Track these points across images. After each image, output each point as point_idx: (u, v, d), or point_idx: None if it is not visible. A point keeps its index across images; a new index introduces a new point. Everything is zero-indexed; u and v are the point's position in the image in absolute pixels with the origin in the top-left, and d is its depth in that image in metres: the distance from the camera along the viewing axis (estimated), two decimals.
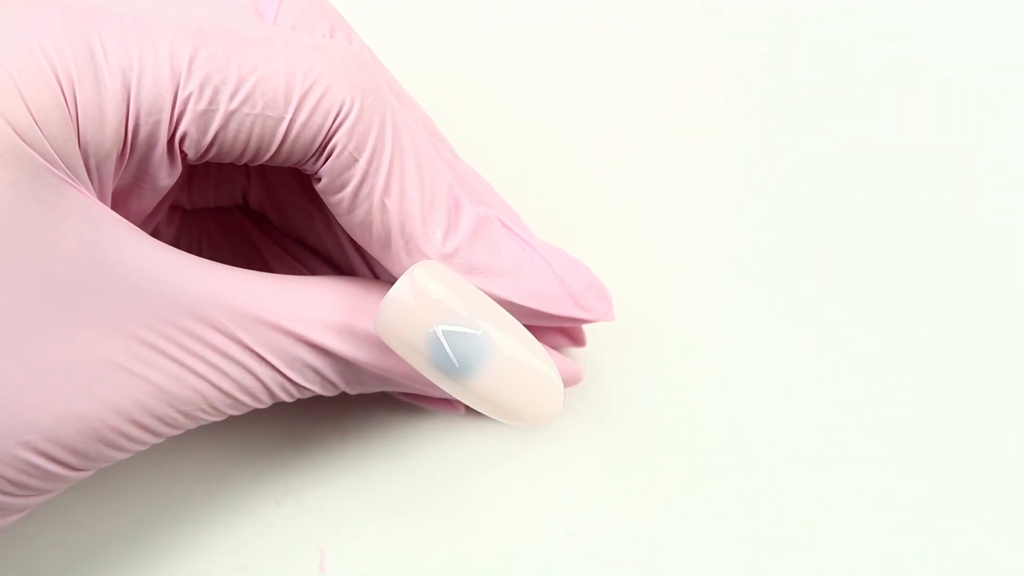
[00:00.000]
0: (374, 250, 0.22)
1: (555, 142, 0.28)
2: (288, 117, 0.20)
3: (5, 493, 0.19)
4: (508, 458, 0.26)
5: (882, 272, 0.27)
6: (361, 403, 0.26)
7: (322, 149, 0.20)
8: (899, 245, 0.28)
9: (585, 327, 0.26)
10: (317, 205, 0.25)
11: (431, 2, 0.30)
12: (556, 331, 0.26)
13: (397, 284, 0.20)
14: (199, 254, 0.26)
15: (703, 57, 0.29)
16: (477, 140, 0.27)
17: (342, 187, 0.21)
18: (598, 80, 0.29)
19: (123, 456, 0.21)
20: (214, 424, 0.22)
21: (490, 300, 0.21)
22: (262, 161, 0.21)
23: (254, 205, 0.26)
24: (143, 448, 0.21)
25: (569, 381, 0.25)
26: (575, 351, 0.27)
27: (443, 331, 0.20)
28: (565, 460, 0.26)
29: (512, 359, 0.21)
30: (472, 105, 0.29)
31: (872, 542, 0.26)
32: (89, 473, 0.21)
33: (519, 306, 0.23)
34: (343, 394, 0.24)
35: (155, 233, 0.25)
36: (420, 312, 0.20)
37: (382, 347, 0.22)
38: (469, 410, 0.26)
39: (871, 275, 0.27)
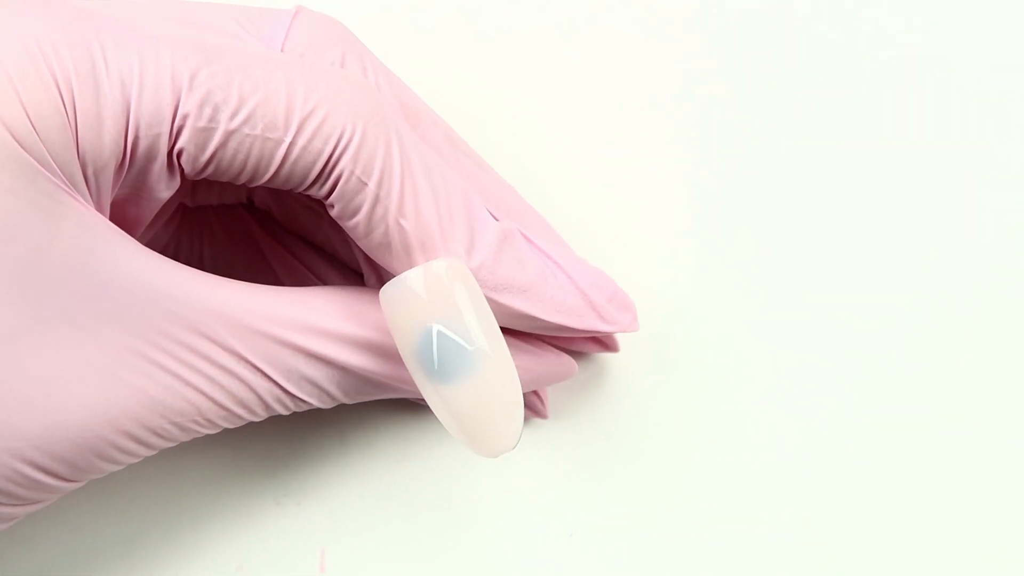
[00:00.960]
0: (396, 271, 0.21)
1: (555, 143, 0.28)
2: (288, 140, 0.20)
3: None
4: (508, 459, 0.26)
5: (886, 271, 0.27)
6: (361, 404, 0.26)
7: (327, 176, 0.20)
8: (907, 244, 0.28)
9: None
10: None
11: (431, 3, 0.29)
12: (588, 338, 0.26)
13: (414, 270, 0.20)
14: (200, 252, 0.26)
15: (704, 57, 0.29)
16: (476, 140, 0.27)
17: (356, 212, 0.21)
18: (598, 80, 0.29)
19: (114, 468, 0.21)
20: None
21: (496, 325, 0.21)
22: (260, 183, 0.21)
23: (259, 204, 0.26)
24: (135, 460, 0.21)
25: (564, 375, 0.25)
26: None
27: (438, 331, 0.20)
28: (565, 461, 0.26)
29: (487, 387, 0.21)
30: (471, 105, 0.29)
31: (877, 547, 0.26)
32: (79, 484, 0.20)
33: (543, 321, 0.23)
34: None
35: (156, 230, 0.25)
36: (424, 304, 0.20)
37: (382, 354, 0.22)
38: None
39: (876, 275, 0.27)
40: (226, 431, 0.26)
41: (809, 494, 0.26)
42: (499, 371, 0.21)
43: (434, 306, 0.20)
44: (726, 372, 0.27)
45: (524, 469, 0.26)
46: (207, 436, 0.26)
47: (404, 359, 0.21)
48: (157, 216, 0.24)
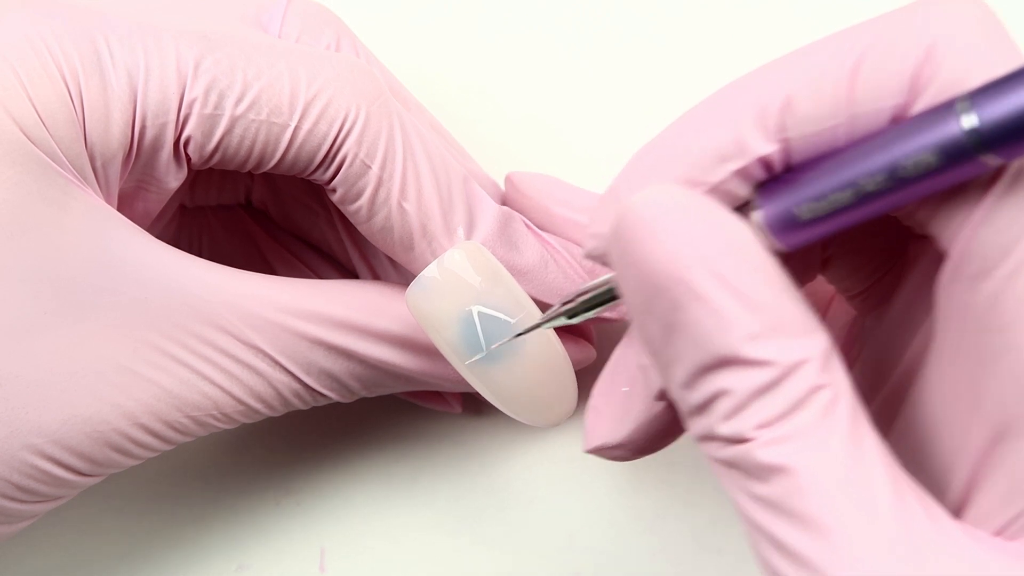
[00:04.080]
0: (397, 254, 0.22)
1: (555, 142, 0.28)
2: (293, 124, 0.20)
3: (13, 499, 0.19)
4: (508, 458, 0.26)
5: None
6: (360, 403, 0.26)
7: (331, 159, 0.20)
8: None
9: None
10: (321, 202, 0.25)
11: (430, 3, 0.29)
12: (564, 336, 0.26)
13: (432, 264, 0.21)
14: (199, 251, 0.26)
15: (704, 57, 0.29)
16: (475, 140, 0.27)
17: (358, 195, 0.21)
18: (599, 81, 0.29)
19: (133, 462, 0.20)
20: None
21: (524, 292, 0.21)
22: (266, 169, 0.21)
23: (257, 203, 0.26)
24: (153, 454, 0.21)
25: (583, 361, 0.25)
26: None
27: (479, 312, 0.20)
28: (566, 461, 0.26)
29: (539, 354, 0.21)
30: (471, 105, 0.29)
31: None
32: (97, 479, 0.20)
33: (542, 303, 0.23)
34: None
35: (156, 231, 0.25)
36: (454, 293, 0.20)
37: (403, 345, 0.22)
38: (466, 409, 0.26)
39: None
40: (228, 431, 0.26)
41: None
42: (545, 335, 0.21)
43: (464, 291, 0.20)
44: None
45: (524, 469, 0.26)
46: (208, 436, 0.26)
47: (445, 353, 0.21)
48: (158, 217, 0.24)
